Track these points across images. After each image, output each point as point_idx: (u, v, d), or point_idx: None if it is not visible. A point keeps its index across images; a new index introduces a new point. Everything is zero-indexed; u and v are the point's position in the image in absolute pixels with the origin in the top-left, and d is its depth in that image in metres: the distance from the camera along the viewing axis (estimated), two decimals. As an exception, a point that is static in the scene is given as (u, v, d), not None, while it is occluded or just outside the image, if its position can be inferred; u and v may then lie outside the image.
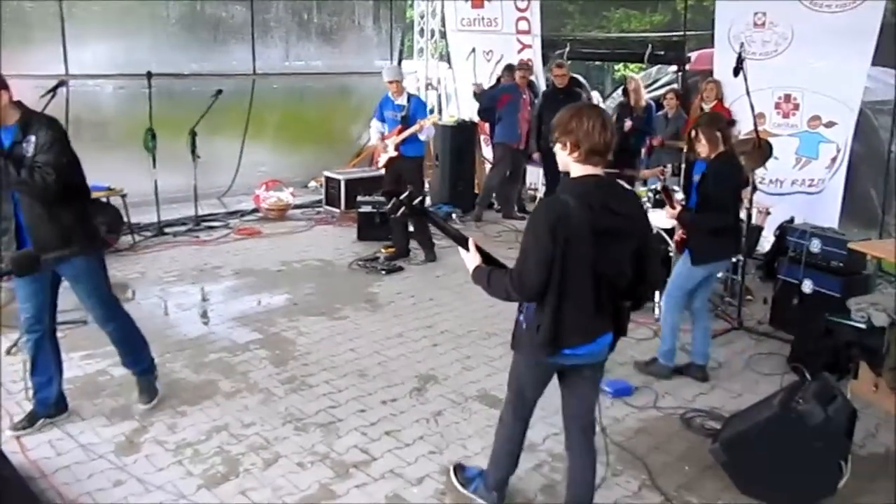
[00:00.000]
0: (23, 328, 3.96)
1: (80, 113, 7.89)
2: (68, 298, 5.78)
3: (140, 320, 5.41)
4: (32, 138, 3.57)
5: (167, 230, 7.86)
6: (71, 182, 3.66)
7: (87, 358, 4.82)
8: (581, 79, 9.99)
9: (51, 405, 4.03)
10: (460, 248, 3.01)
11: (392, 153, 7.06)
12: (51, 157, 3.55)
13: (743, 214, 5.66)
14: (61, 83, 4.97)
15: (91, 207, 3.97)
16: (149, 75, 7.66)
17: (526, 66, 8.81)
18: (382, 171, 7.44)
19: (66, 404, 4.12)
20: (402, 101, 7.07)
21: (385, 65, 10.85)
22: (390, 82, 7.05)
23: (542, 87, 9.20)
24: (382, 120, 7.21)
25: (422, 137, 7.09)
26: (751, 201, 5.61)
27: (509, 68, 8.95)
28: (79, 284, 3.94)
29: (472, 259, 2.96)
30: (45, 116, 3.71)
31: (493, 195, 9.16)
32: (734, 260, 5.89)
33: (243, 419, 4.15)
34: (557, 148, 2.84)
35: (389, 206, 3.04)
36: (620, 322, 2.94)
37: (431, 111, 7.56)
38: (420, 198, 3.04)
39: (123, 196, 7.19)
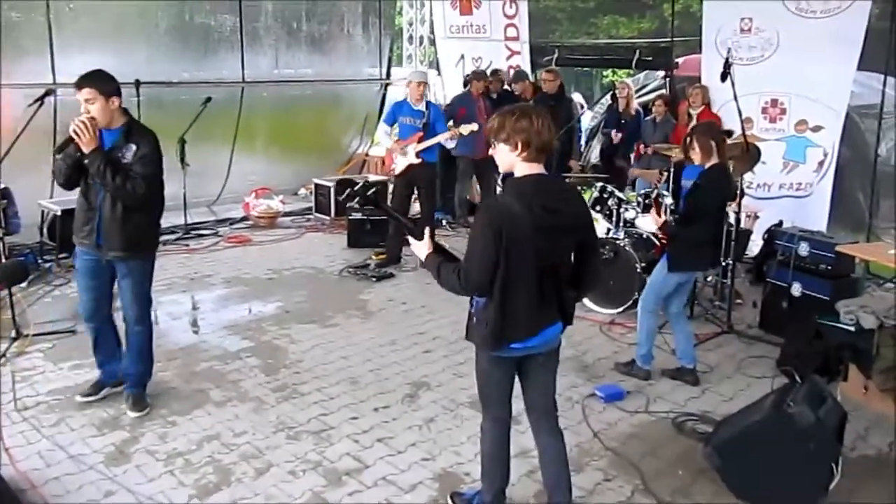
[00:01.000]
0: (82, 316, 4.32)
1: (68, 122, 7.77)
2: (55, 308, 5.79)
3: (129, 330, 5.45)
4: (133, 147, 3.91)
5: (156, 239, 7.80)
6: (153, 193, 3.99)
7: (76, 368, 4.79)
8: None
9: (116, 376, 4.36)
10: (411, 238, 3.09)
11: (413, 160, 6.95)
12: (146, 169, 3.89)
13: (732, 219, 5.69)
14: (49, 92, 4.93)
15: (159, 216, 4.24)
16: (137, 84, 7.63)
17: (482, 76, 8.77)
18: (373, 177, 7.37)
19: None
20: (422, 107, 6.99)
21: (372, 72, 10.91)
22: (418, 84, 6.94)
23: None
24: (391, 124, 7.13)
25: (450, 145, 7.05)
26: (739, 205, 5.64)
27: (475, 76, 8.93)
28: (126, 281, 4.16)
29: (423, 247, 3.04)
30: (147, 129, 4.06)
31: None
32: (723, 264, 5.93)
33: (235, 428, 4.13)
34: (504, 148, 2.88)
35: (343, 196, 3.08)
36: (566, 311, 3.05)
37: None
38: (374, 189, 3.09)
39: (112, 205, 7.13)
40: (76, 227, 4.09)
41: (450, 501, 3.49)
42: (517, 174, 2.90)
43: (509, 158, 2.88)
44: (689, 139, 4.72)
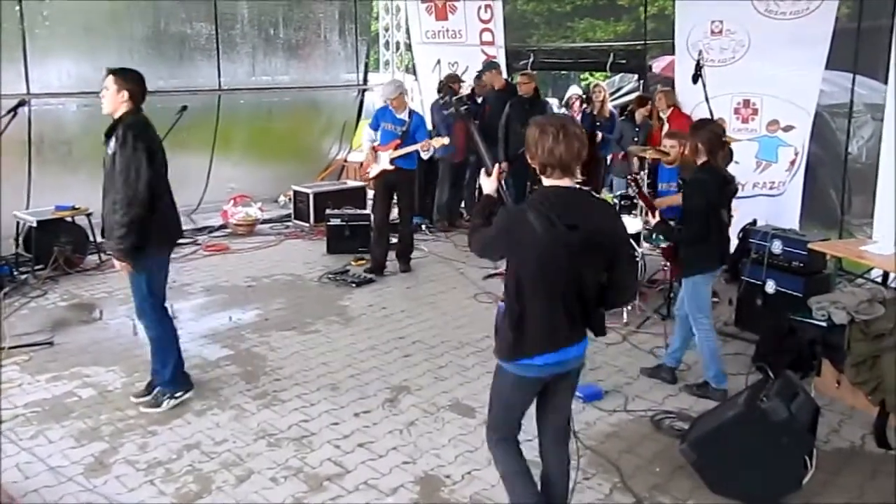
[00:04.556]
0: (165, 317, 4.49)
1: (44, 132, 7.82)
2: (31, 320, 5.74)
3: (108, 340, 5.45)
4: None
5: (134, 248, 7.75)
6: None
7: (54, 380, 4.76)
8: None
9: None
10: (483, 173, 3.12)
11: (387, 166, 7.01)
12: None
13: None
14: (21, 103, 4.91)
15: None
16: (112, 93, 7.58)
17: (456, 79, 8.92)
18: (352, 183, 7.42)
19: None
20: (404, 115, 7.03)
21: (349, 78, 10.90)
22: (392, 100, 7.00)
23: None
24: (376, 129, 7.17)
25: (424, 156, 7.12)
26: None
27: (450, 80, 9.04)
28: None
29: (489, 183, 3.05)
30: None
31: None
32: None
33: (215, 436, 4.12)
34: (532, 162, 2.84)
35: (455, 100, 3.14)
36: (594, 324, 2.91)
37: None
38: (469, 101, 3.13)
39: (89, 215, 7.10)
40: (176, 230, 4.53)
41: None
42: (545, 184, 2.82)
43: (538, 172, 2.84)
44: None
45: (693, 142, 4.59)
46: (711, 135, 4.54)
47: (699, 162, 4.58)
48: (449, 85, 8.78)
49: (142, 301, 4.33)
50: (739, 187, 7.23)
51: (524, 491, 3.05)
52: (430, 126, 7.96)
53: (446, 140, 7.25)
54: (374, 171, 7.15)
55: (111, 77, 4.14)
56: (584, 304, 2.82)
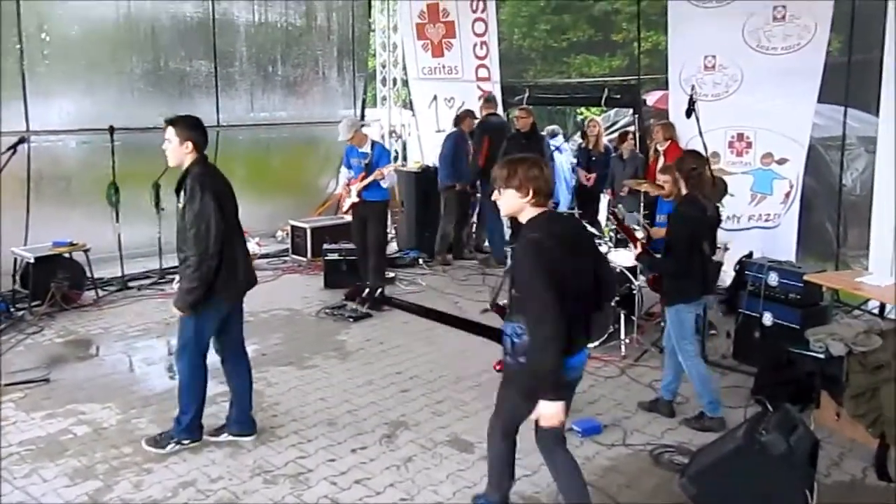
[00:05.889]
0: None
1: (43, 168, 7.87)
2: (27, 357, 5.72)
3: (103, 377, 5.42)
4: None
5: (132, 284, 7.77)
6: None
7: (49, 418, 4.73)
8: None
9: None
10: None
11: (354, 199, 7.33)
12: None
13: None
14: (21, 140, 4.97)
15: None
16: (111, 130, 7.65)
17: (471, 114, 9.05)
18: (348, 218, 7.64)
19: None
20: (367, 148, 7.35)
21: (347, 114, 10.99)
22: (349, 139, 7.32)
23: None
24: (349, 167, 7.50)
25: (384, 185, 7.27)
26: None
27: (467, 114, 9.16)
28: (241, 316, 4.61)
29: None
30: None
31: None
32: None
33: (211, 473, 4.09)
34: (513, 194, 3.14)
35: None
36: (589, 330, 3.36)
37: (395, 158, 7.76)
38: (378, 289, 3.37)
39: (86, 251, 7.13)
40: (239, 281, 4.27)
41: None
42: (528, 215, 3.17)
43: (518, 203, 3.15)
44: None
45: (673, 175, 4.74)
46: (689, 168, 4.64)
47: (680, 194, 4.68)
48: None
49: (184, 343, 4.26)
50: (735, 220, 7.37)
51: (499, 482, 3.52)
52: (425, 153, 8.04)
53: (392, 166, 7.54)
54: (346, 204, 7.56)
55: (171, 129, 4.08)
56: (587, 307, 3.25)
